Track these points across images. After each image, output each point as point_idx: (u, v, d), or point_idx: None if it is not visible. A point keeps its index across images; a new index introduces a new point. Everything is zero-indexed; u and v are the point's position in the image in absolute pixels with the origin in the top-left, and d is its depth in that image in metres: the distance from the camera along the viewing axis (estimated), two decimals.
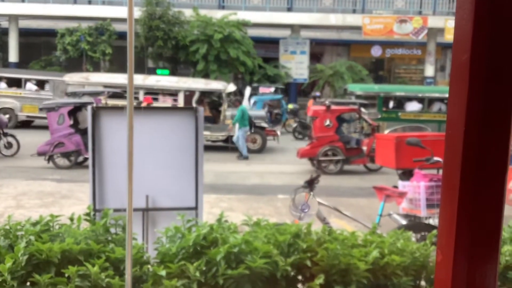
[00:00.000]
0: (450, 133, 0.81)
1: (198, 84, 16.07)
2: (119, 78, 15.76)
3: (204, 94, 15.76)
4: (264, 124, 15.41)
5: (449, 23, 23.20)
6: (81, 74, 17.27)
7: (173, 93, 15.60)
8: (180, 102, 15.24)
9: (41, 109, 13.30)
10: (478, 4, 0.78)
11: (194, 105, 14.60)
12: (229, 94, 16.48)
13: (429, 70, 25.26)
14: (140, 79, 15.70)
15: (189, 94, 15.33)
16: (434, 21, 23.50)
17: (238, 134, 14.00)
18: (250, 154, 14.38)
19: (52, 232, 3.15)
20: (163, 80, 16.28)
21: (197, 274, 2.95)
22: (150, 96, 15.25)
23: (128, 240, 2.61)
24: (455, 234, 0.80)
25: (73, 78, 16.20)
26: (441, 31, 23.72)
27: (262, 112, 16.23)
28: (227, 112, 15.63)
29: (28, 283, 2.87)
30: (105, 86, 15.43)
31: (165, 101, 15.46)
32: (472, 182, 0.80)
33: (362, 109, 13.93)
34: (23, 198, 9.02)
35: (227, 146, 15.31)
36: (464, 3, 0.80)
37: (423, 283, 3.44)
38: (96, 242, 3.06)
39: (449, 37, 23.44)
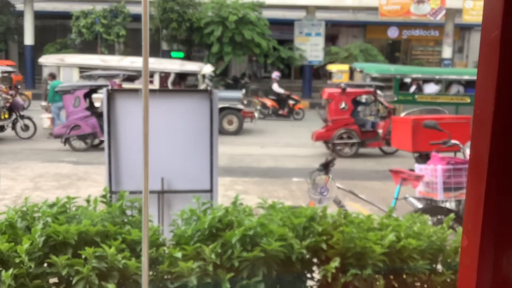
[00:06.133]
0: (478, 113, 0.77)
1: (174, 65, 15.91)
2: (95, 60, 15.89)
3: (181, 75, 15.64)
4: (240, 106, 15.29)
5: (467, 4, 22.76)
6: (56, 56, 17.44)
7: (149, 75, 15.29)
8: (156, 84, 15.01)
9: (56, 92, 13.39)
10: None
11: (170, 86, 14.58)
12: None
13: (447, 52, 24.89)
14: (115, 61, 15.81)
15: (164, 75, 15.16)
16: (452, 2, 23.07)
17: (53, 111, 13.58)
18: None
19: (69, 214, 3.17)
20: (138, 61, 16.09)
21: (213, 256, 2.95)
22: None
23: (144, 223, 2.61)
24: (481, 218, 0.77)
25: (48, 60, 16.35)
26: (459, 11, 23.30)
27: (239, 94, 16.07)
28: None
29: (45, 264, 2.90)
30: (80, 67, 15.49)
31: (134, 83, 14.78)
32: (501, 163, 0.76)
33: (378, 92, 13.79)
34: (40, 180, 9.13)
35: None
36: None
37: (439, 267, 3.42)
38: (112, 224, 3.07)
39: (467, 17, 23.02)
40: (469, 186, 0.81)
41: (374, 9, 23.57)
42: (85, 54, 19.06)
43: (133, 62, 15.87)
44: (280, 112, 18.34)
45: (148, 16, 2.46)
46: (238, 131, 15.02)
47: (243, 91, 17.46)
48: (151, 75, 15.10)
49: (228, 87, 20.93)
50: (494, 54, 0.76)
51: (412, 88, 17.18)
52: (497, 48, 0.75)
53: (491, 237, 0.79)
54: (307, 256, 3.20)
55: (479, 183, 0.78)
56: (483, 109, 0.77)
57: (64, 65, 15.64)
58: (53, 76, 14.95)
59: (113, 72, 14.86)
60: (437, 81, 17.00)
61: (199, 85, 15.39)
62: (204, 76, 15.84)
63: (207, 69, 16.27)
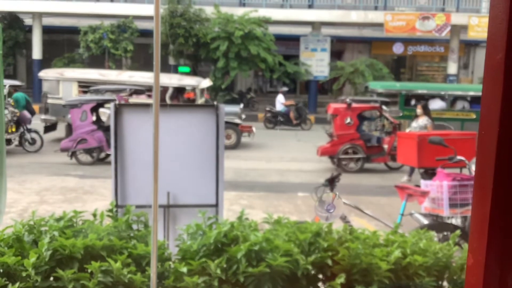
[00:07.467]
0: (483, 134, 0.78)
1: (172, 79, 15.92)
2: (93, 74, 16.03)
3: (179, 89, 15.67)
4: (238, 120, 15.28)
5: (473, 20, 22.83)
6: (55, 70, 17.56)
7: (149, 89, 15.20)
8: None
9: (64, 106, 13.48)
10: None
11: (168, 101, 14.59)
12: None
13: (452, 68, 24.90)
14: (114, 75, 15.89)
15: (163, 89, 15.12)
16: (457, 18, 23.15)
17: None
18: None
19: (76, 228, 3.19)
20: (136, 75, 16.13)
21: (218, 271, 2.96)
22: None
23: (153, 238, 2.62)
24: (487, 237, 0.78)
25: (48, 74, 16.48)
26: (464, 28, 23.36)
27: (237, 108, 16.09)
28: None
29: (51, 278, 2.91)
30: (79, 81, 15.61)
31: (138, 98, 14.91)
32: (506, 183, 0.77)
33: (384, 107, 13.80)
34: (46, 193, 9.16)
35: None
36: (498, 1, 0.78)
37: (445, 284, 3.40)
38: (118, 238, 3.08)
39: (472, 34, 23.07)
40: (474, 205, 0.82)
41: (380, 25, 23.68)
42: (86, 69, 19.20)
43: (132, 76, 15.96)
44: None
45: (159, 32, 2.49)
46: (236, 146, 15.01)
47: (241, 105, 17.49)
48: (149, 89, 15.14)
49: (233, 101, 21.00)
50: (498, 76, 0.77)
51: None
52: (502, 70, 0.77)
53: (496, 256, 0.79)
54: (313, 272, 3.19)
55: (485, 201, 0.80)
56: (488, 130, 0.79)
57: (63, 79, 15.77)
58: (15, 89, 15.18)
59: (120, 87, 14.94)
60: (442, 97, 17.01)
61: (197, 99, 15.43)
62: (202, 91, 15.89)
63: (205, 83, 16.32)
